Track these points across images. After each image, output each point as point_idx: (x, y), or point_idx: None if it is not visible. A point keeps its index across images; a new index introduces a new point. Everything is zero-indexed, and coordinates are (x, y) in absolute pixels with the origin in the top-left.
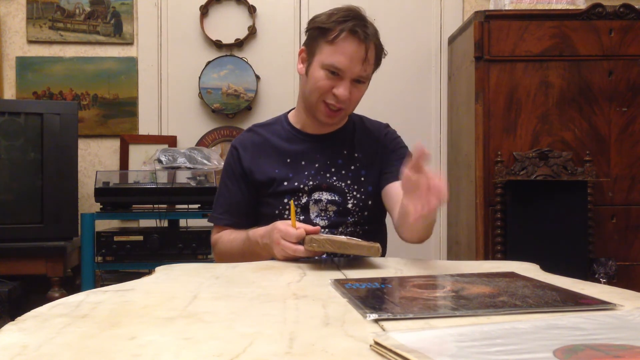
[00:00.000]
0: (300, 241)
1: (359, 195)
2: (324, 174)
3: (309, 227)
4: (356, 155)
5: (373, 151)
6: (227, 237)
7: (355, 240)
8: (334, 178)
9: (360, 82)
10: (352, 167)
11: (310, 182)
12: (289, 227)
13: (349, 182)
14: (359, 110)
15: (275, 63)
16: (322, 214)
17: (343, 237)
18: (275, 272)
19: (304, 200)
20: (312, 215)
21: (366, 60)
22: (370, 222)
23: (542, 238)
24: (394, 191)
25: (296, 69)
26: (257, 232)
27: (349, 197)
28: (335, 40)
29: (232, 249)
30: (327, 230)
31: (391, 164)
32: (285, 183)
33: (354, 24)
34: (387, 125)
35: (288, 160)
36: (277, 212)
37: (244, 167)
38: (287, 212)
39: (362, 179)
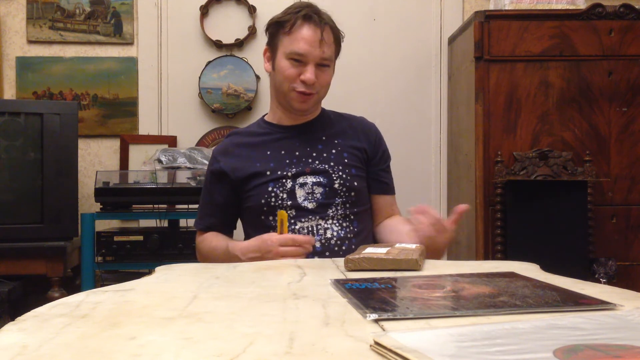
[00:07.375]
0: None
1: (345, 176)
2: (306, 160)
3: (298, 237)
4: (336, 141)
5: (357, 142)
6: (208, 244)
7: (392, 254)
8: (317, 162)
9: (324, 65)
10: (334, 151)
11: (293, 169)
12: (280, 236)
13: (332, 163)
14: (360, 110)
15: None
16: (310, 197)
17: (381, 250)
18: (275, 272)
19: (289, 185)
20: (300, 200)
21: (324, 42)
22: (358, 204)
23: (542, 238)
24: (384, 202)
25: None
26: (237, 246)
27: (334, 177)
28: (292, 29)
29: (214, 258)
30: (318, 216)
31: (381, 171)
32: (268, 172)
33: (307, 11)
34: (373, 124)
35: (268, 153)
36: (263, 201)
37: (224, 169)
38: (272, 200)
39: (346, 160)
